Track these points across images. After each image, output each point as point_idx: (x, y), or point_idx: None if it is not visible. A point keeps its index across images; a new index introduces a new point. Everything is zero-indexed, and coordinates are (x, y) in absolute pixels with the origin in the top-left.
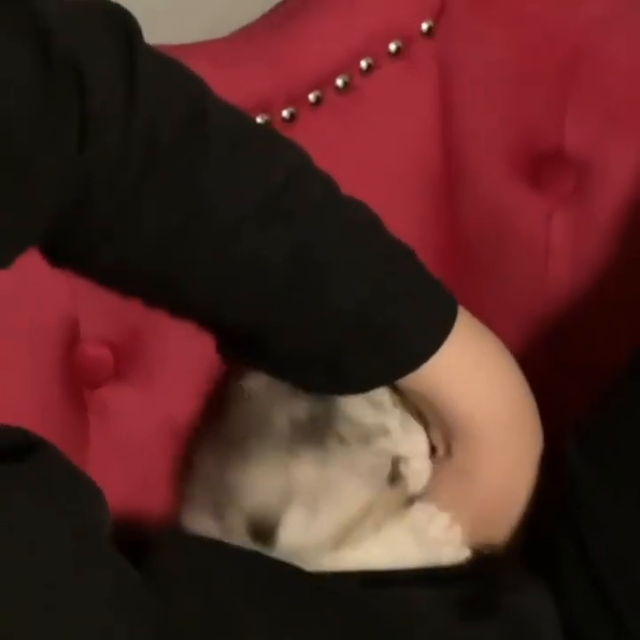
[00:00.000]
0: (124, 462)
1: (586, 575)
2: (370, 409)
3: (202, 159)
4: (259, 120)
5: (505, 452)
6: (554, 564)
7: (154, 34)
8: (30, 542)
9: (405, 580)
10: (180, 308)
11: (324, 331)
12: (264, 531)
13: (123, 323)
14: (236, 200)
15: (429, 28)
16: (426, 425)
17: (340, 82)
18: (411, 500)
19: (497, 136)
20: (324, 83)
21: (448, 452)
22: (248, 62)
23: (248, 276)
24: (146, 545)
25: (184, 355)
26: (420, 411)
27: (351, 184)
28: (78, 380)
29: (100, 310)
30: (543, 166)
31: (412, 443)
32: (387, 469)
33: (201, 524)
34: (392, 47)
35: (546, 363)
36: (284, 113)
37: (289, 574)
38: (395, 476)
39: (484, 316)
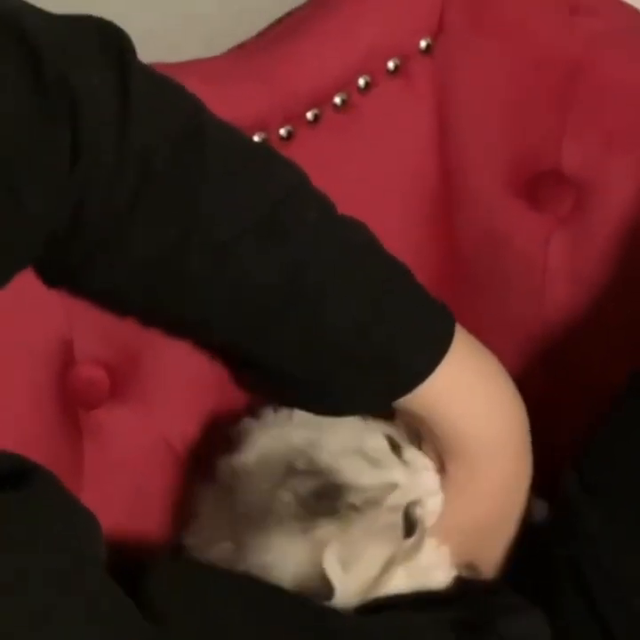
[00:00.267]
0: (120, 483)
1: (582, 599)
2: (370, 470)
3: (197, 178)
4: (256, 138)
5: (500, 471)
6: (549, 588)
7: (148, 52)
8: (22, 573)
9: (400, 604)
10: (173, 325)
11: (319, 351)
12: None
13: (118, 344)
14: (231, 219)
15: (428, 46)
16: (419, 441)
17: (337, 100)
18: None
19: (495, 154)
20: (322, 100)
21: (442, 468)
22: (244, 80)
23: (242, 294)
24: (141, 569)
25: (179, 376)
26: (414, 428)
27: (348, 202)
28: (73, 402)
29: (94, 331)
30: (541, 185)
31: (421, 483)
32: (402, 523)
33: None
34: (390, 65)
35: (543, 382)
36: (282, 131)
37: (285, 599)
38: (411, 526)
39: (482, 336)
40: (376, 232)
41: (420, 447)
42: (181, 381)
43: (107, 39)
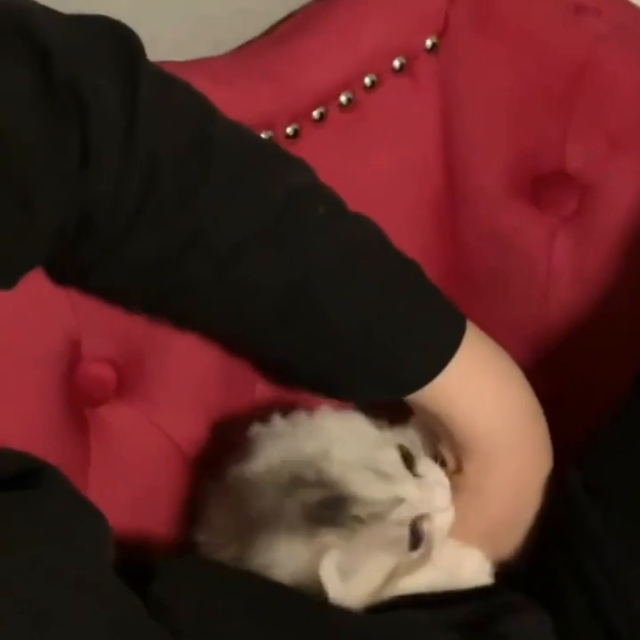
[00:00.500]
0: (125, 481)
1: (586, 603)
2: (378, 484)
3: (202, 182)
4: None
5: (517, 467)
6: (554, 591)
7: (155, 51)
8: (29, 572)
9: (406, 603)
10: (180, 322)
11: (325, 350)
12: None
13: (125, 342)
14: (236, 223)
15: (433, 45)
16: (437, 440)
17: (343, 98)
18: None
19: (499, 154)
20: (328, 99)
21: (458, 467)
22: (251, 79)
23: (246, 296)
24: (148, 568)
25: (186, 374)
26: (431, 426)
27: (354, 200)
28: (80, 400)
29: (102, 329)
30: (545, 185)
31: (432, 498)
32: (407, 538)
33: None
34: (396, 64)
35: (547, 382)
36: (288, 130)
37: (290, 596)
38: (416, 541)
39: None
40: None
41: (436, 447)
42: (188, 380)
43: (117, 40)
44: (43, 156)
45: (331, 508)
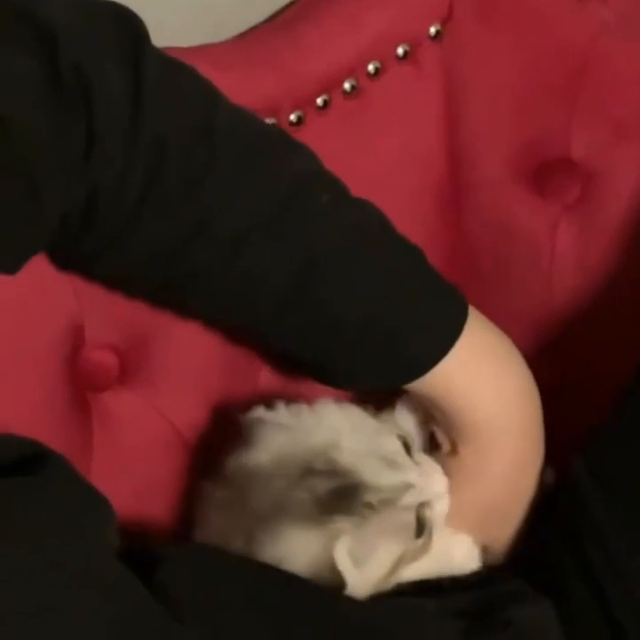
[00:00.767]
0: (128, 467)
1: (589, 591)
2: (388, 471)
3: (207, 170)
4: None
5: (513, 452)
6: (557, 579)
7: (159, 37)
8: (34, 560)
9: (410, 590)
10: (184, 310)
11: (330, 336)
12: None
13: (128, 329)
14: (241, 212)
15: (437, 32)
16: (432, 423)
17: (347, 85)
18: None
19: (504, 141)
20: (332, 86)
21: (454, 450)
22: (254, 66)
23: (251, 285)
24: (153, 555)
25: (189, 361)
26: (427, 409)
27: (357, 187)
28: (83, 386)
29: (105, 316)
30: (550, 173)
31: (432, 486)
32: (414, 523)
33: None
34: (400, 51)
35: (550, 369)
36: (292, 116)
37: (297, 583)
38: (421, 527)
39: None
40: None
41: (430, 431)
42: (190, 367)
43: (123, 27)
44: (50, 143)
45: (344, 497)
